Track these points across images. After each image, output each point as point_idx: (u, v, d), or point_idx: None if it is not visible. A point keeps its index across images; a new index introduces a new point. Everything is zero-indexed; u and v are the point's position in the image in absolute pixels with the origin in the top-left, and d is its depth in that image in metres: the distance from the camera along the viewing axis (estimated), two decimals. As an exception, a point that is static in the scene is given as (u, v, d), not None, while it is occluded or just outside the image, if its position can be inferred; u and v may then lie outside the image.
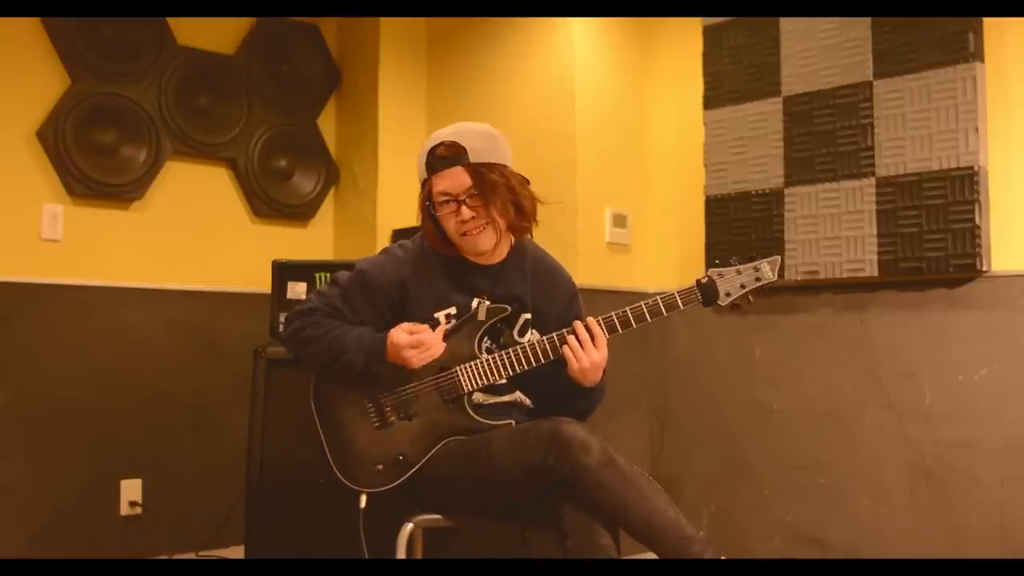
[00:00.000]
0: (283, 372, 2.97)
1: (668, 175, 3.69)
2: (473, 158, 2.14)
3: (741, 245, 3.35)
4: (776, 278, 2.13)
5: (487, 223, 2.16)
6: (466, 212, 2.13)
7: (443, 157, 2.15)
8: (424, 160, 2.19)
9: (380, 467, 2.14)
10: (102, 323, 3.40)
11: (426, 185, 2.19)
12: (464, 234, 2.16)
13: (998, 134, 2.89)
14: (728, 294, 2.12)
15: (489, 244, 2.19)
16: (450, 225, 2.17)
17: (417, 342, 2.10)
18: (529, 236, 2.31)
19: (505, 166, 2.19)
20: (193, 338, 3.59)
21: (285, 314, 2.34)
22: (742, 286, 2.12)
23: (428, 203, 2.17)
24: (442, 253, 2.23)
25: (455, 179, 2.14)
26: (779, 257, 2.15)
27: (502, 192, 2.15)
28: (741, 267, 2.13)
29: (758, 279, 2.12)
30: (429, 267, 2.22)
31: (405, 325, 2.14)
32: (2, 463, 3.18)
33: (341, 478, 2.16)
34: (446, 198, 2.15)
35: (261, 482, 2.94)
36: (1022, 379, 2.83)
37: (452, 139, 2.16)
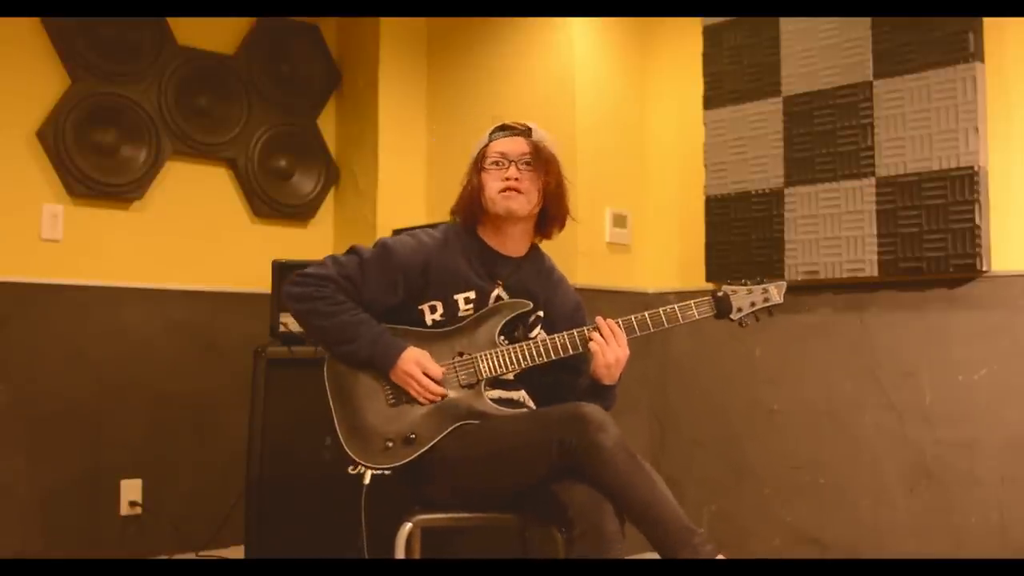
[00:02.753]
0: (283, 372, 2.97)
1: (668, 175, 3.69)
2: (535, 137, 2.28)
3: (741, 245, 3.35)
4: (782, 302, 2.26)
5: (527, 191, 2.23)
6: (514, 171, 2.22)
7: (509, 127, 2.29)
8: (489, 133, 2.31)
9: (391, 444, 2.14)
10: (102, 323, 3.41)
11: (484, 150, 2.29)
12: (503, 191, 2.22)
13: (998, 134, 2.89)
14: (739, 310, 2.24)
15: (522, 209, 2.24)
16: (493, 182, 2.23)
17: (423, 380, 2.13)
18: (557, 230, 2.36)
19: (558, 159, 2.31)
20: (193, 338, 3.59)
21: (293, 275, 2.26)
22: (752, 304, 2.25)
23: (482, 165, 2.26)
24: (467, 237, 2.28)
25: (515, 144, 2.26)
26: (785, 283, 2.28)
27: (553, 168, 2.26)
28: (752, 287, 2.25)
29: (766, 300, 2.25)
30: (452, 252, 2.25)
31: (426, 357, 2.16)
32: (2, 463, 3.18)
33: (349, 452, 2.15)
34: (499, 158, 2.25)
35: (261, 482, 2.95)
36: (1022, 379, 2.83)
37: (522, 122, 2.31)
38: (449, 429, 2.15)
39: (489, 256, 2.28)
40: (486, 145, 2.29)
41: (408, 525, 2.14)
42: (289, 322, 3.02)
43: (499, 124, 2.31)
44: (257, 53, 3.81)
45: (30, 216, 3.31)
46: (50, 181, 3.35)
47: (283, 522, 2.94)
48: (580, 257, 3.46)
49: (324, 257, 2.24)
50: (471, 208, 2.28)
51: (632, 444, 1.99)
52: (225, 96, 3.73)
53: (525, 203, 2.23)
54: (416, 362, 2.14)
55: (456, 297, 2.23)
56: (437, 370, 2.16)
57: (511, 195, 2.22)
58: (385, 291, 2.21)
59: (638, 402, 3.59)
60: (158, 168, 3.55)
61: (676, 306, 2.20)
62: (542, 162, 2.24)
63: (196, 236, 3.68)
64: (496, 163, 2.24)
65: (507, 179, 2.22)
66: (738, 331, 3.33)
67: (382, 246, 2.24)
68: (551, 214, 2.29)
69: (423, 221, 3.93)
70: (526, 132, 2.28)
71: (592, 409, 2.01)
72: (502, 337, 2.24)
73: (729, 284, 2.25)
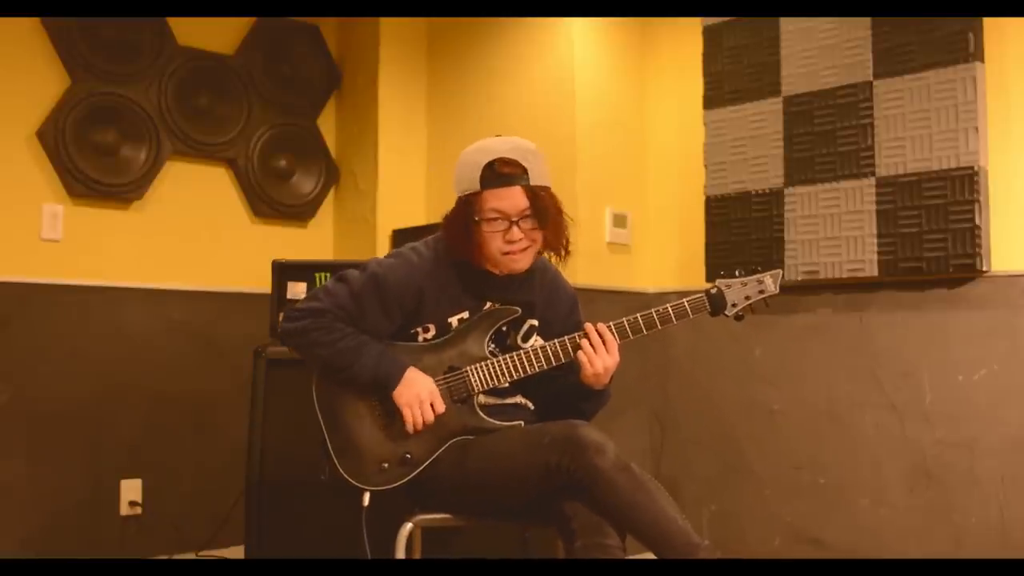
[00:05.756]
0: (283, 372, 2.97)
1: (668, 175, 3.69)
2: (532, 180, 2.10)
3: (741, 245, 3.35)
4: (778, 291, 2.19)
5: (531, 245, 2.14)
6: (516, 233, 2.10)
7: (503, 175, 2.09)
8: (478, 172, 2.10)
9: (386, 465, 2.13)
10: (102, 323, 3.41)
11: (475, 199, 2.11)
12: (507, 253, 2.13)
13: (998, 134, 2.89)
14: (734, 304, 2.19)
15: (527, 266, 2.18)
16: (495, 243, 2.12)
17: (417, 416, 2.09)
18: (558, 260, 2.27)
19: (550, 188, 2.16)
20: (193, 338, 3.59)
21: (286, 311, 2.25)
22: (747, 297, 2.19)
23: (476, 218, 2.10)
24: (458, 259, 2.19)
25: (513, 199, 2.09)
26: (780, 271, 2.21)
27: (554, 218, 2.13)
28: (746, 279, 2.19)
29: (761, 291, 2.19)
30: (443, 273, 2.19)
31: (432, 393, 2.12)
32: (2, 463, 3.18)
33: (344, 475, 2.14)
34: (498, 215, 2.10)
35: (261, 482, 2.94)
36: (1022, 379, 2.83)
37: (512, 156, 2.11)
38: (444, 447, 2.14)
39: (482, 276, 2.21)
40: (478, 193, 2.10)
41: (408, 525, 2.14)
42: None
43: (487, 160, 2.10)
44: (257, 53, 3.81)
45: (30, 216, 3.31)
46: (50, 181, 3.35)
47: (283, 522, 2.94)
48: (580, 257, 3.44)
49: (313, 290, 2.18)
50: (464, 253, 2.17)
51: (632, 444, 2.00)
52: (225, 96, 3.73)
53: (529, 259, 2.17)
54: (417, 396, 2.10)
55: (450, 320, 2.20)
56: (440, 406, 2.12)
57: (516, 257, 2.13)
58: (381, 321, 2.16)
59: (638, 402, 3.59)
60: (158, 168, 3.55)
61: (669, 306, 2.15)
62: (545, 214, 2.11)
63: (196, 236, 3.68)
64: (495, 219, 2.10)
65: (510, 242, 2.10)
66: (738, 331, 3.35)
67: (372, 276, 2.14)
68: (551, 248, 2.20)
69: (423, 221, 3.93)
70: (522, 177, 2.09)
71: (587, 431, 1.98)
72: (493, 346, 2.21)
73: (723, 278, 2.20)
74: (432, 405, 2.11)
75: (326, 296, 2.15)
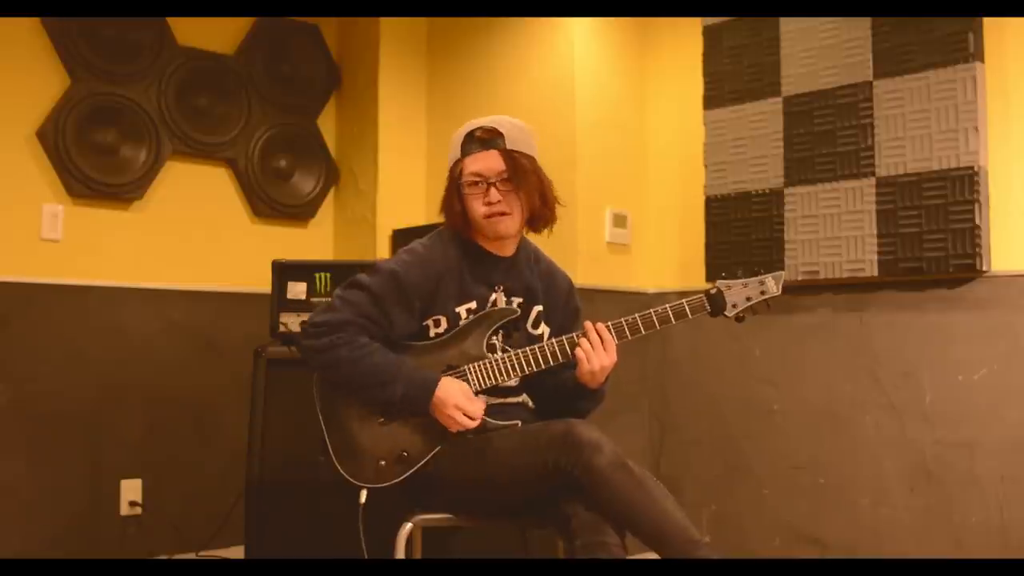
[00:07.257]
0: (283, 372, 2.97)
1: (668, 175, 3.69)
2: (508, 145, 2.18)
3: (741, 245, 3.35)
4: (780, 292, 2.19)
5: (511, 211, 2.19)
6: (494, 194, 2.16)
7: (481, 140, 2.19)
8: (460, 143, 2.22)
9: (383, 463, 2.14)
10: (102, 323, 3.41)
11: (457, 166, 2.22)
12: (489, 216, 2.18)
13: (998, 134, 2.89)
14: (734, 306, 2.19)
15: (511, 230, 2.21)
16: (477, 207, 2.18)
17: (464, 423, 2.09)
18: (548, 231, 2.32)
19: (534, 159, 2.23)
20: (193, 338, 3.59)
21: (304, 326, 2.22)
22: (748, 299, 2.19)
23: (458, 183, 2.20)
24: (462, 242, 2.24)
25: (489, 161, 2.18)
26: (783, 272, 2.21)
27: (531, 180, 2.19)
28: (747, 280, 2.19)
29: (763, 293, 2.19)
30: (451, 262, 2.22)
31: (465, 389, 2.13)
32: (2, 463, 3.18)
33: (342, 472, 2.15)
34: (477, 179, 2.18)
35: (261, 482, 2.94)
36: (1022, 379, 2.83)
37: (491, 125, 2.20)
38: (441, 445, 2.14)
39: (488, 260, 2.25)
40: (460, 160, 2.21)
41: (408, 525, 2.15)
42: (289, 322, 3.02)
43: (468, 130, 2.21)
44: (257, 53, 3.81)
45: (30, 216, 3.31)
46: (50, 181, 3.35)
47: (283, 522, 2.94)
48: (580, 257, 3.46)
49: (332, 298, 2.17)
50: (457, 224, 2.23)
51: (631, 444, 2.00)
52: (225, 96, 3.73)
53: (512, 223, 2.20)
54: (455, 405, 2.09)
55: (458, 309, 2.21)
56: (477, 409, 2.11)
57: (497, 219, 2.18)
58: (405, 319, 2.18)
59: (637, 402, 3.59)
60: (158, 168, 3.55)
61: (668, 306, 2.16)
62: (521, 174, 2.17)
63: (196, 236, 3.68)
64: (474, 183, 2.18)
65: (490, 203, 2.17)
66: (737, 331, 3.34)
67: (388, 273, 2.16)
68: (538, 216, 2.24)
69: (423, 221, 3.93)
70: (498, 142, 2.18)
71: (584, 429, 1.98)
72: (497, 343, 2.23)
73: (724, 279, 2.20)
74: (466, 413, 2.10)
75: (345, 306, 2.14)
